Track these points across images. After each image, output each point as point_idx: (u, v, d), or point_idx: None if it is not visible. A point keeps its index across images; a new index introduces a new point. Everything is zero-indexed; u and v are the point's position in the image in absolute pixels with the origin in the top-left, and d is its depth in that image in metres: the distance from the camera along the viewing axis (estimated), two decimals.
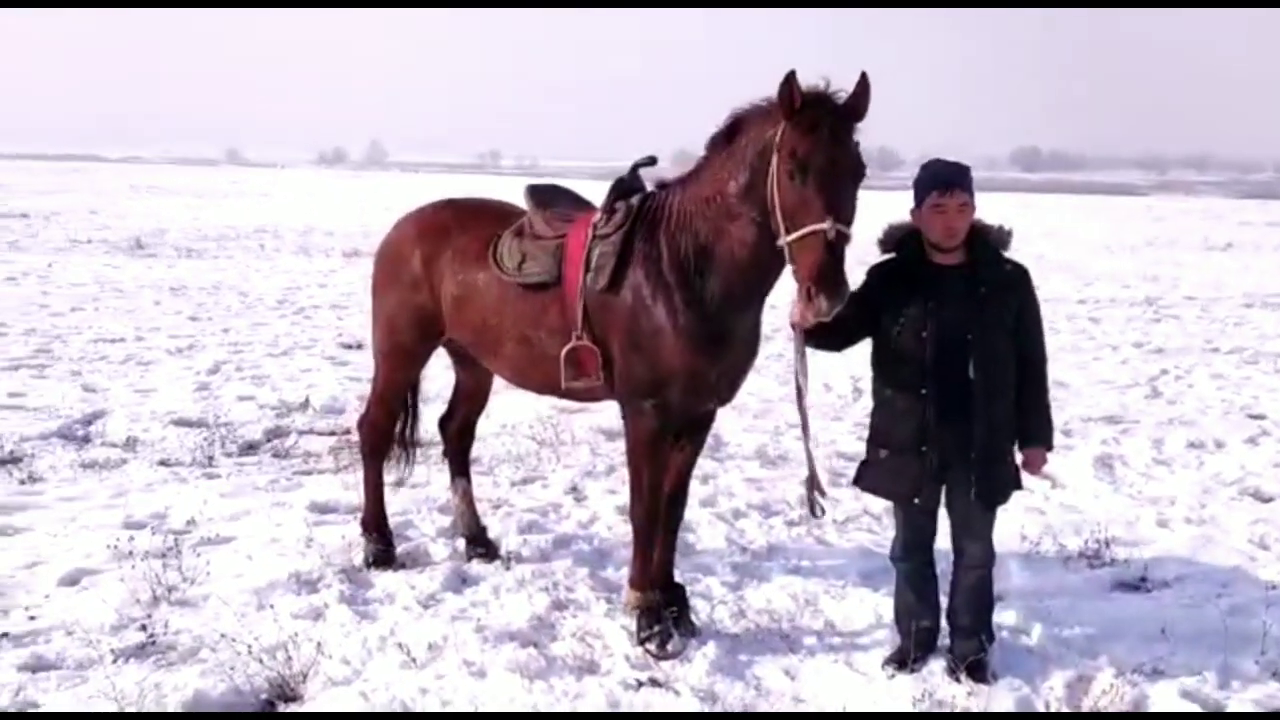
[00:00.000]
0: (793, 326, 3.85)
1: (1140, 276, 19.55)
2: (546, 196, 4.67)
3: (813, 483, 4.05)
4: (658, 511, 4.33)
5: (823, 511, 4.11)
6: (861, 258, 3.87)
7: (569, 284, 4.27)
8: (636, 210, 4.21)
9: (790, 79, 3.56)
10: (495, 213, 4.88)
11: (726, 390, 4.30)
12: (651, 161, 4.43)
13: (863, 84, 3.61)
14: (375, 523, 5.16)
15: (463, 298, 4.65)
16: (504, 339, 4.55)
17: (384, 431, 5.24)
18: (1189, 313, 14.89)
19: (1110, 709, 3.75)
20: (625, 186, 4.31)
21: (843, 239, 3.51)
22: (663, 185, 4.25)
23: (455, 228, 4.80)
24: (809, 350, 4.00)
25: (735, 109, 3.93)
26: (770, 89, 3.66)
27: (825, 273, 3.45)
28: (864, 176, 3.65)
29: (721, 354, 4.07)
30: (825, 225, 3.47)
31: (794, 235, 3.56)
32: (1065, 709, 3.81)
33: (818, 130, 3.54)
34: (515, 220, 4.64)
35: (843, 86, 3.62)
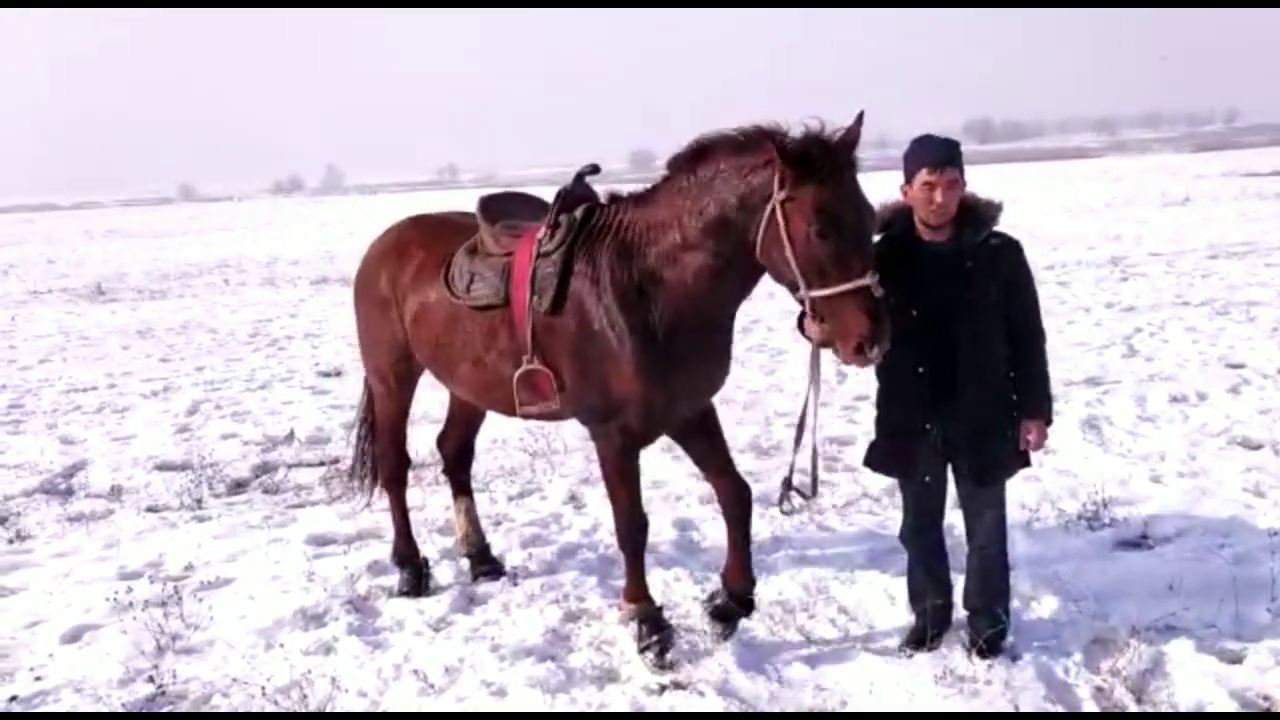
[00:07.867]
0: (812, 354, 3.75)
1: (1103, 237, 19.73)
2: (498, 209, 4.44)
3: (788, 484, 4.01)
4: (641, 524, 4.22)
5: (790, 510, 4.06)
6: None
7: (516, 305, 4.07)
8: (579, 224, 4.02)
9: (774, 135, 3.48)
10: (456, 229, 4.66)
11: (689, 410, 4.14)
12: (595, 170, 4.24)
13: (859, 123, 3.46)
14: (405, 553, 5.04)
15: (419, 318, 4.54)
16: (458, 361, 4.41)
17: (397, 458, 5.14)
18: (1155, 269, 15.04)
19: (1130, 670, 3.76)
20: (571, 198, 4.11)
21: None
22: (614, 199, 4.08)
23: (417, 245, 4.69)
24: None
25: (702, 135, 3.75)
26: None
27: (879, 327, 3.41)
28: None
29: (676, 382, 3.90)
30: (869, 281, 3.40)
31: (828, 291, 3.43)
32: (1087, 674, 3.82)
33: (843, 186, 3.44)
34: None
35: (834, 123, 3.48)
